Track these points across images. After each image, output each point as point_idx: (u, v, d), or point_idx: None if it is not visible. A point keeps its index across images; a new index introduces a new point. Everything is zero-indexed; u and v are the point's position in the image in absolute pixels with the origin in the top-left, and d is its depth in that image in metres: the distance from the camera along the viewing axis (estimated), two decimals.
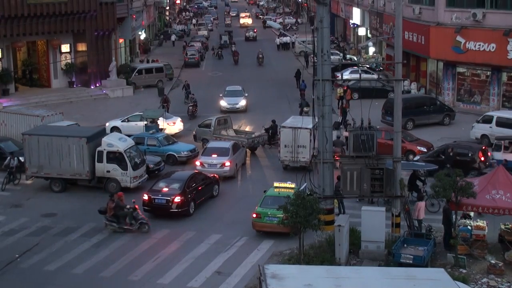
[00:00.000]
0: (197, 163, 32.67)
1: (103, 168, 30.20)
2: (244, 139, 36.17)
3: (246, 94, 47.26)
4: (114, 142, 30.35)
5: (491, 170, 26.40)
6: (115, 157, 30.12)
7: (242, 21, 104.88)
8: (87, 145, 30.07)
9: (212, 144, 34.05)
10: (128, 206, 26.15)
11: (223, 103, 46.06)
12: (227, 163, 32.08)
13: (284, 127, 33.14)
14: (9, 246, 24.80)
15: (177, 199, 27.19)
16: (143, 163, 31.24)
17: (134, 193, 29.45)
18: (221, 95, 47.21)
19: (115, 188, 30.07)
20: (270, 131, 37.77)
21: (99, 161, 30.17)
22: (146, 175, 31.23)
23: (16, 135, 35.74)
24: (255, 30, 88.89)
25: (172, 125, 39.88)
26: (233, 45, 74.22)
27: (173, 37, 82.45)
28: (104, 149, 30.17)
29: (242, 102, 46.40)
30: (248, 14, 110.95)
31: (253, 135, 37.07)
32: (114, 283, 21.94)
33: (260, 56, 67.41)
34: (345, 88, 44.91)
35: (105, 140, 30.49)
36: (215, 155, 32.30)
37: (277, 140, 35.83)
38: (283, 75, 53.02)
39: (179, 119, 40.91)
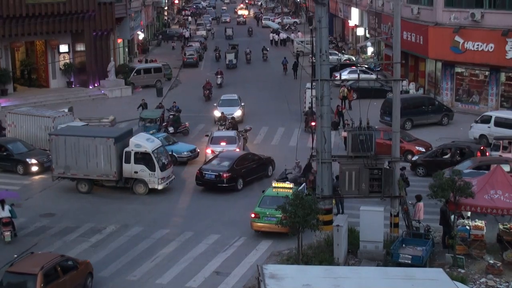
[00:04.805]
0: (208, 150, 33.89)
1: (131, 169, 29.98)
2: (108, 122, 39.12)
3: (242, 104, 44.16)
4: (141, 143, 30.12)
5: None
6: (143, 158, 29.92)
7: (240, 12, 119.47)
8: (115, 146, 29.78)
9: (217, 133, 36.15)
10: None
11: (217, 113, 42.05)
12: (237, 150, 33.85)
13: (308, 88, 38.76)
14: (8, 246, 24.78)
15: (225, 175, 29.91)
16: (171, 163, 31.18)
17: (162, 194, 29.82)
18: (215, 104, 44.04)
19: (142, 189, 30.09)
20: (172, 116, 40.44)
21: (127, 161, 29.95)
22: (173, 176, 31.20)
23: (26, 136, 35.51)
24: (244, 16, 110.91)
25: None
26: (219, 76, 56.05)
27: (186, 34, 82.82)
28: (132, 150, 29.96)
29: (238, 113, 42.73)
30: (244, 6, 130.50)
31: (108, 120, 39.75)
32: (113, 283, 21.93)
33: (250, 29, 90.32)
34: (347, 89, 45.01)
35: (132, 140, 30.24)
36: (224, 143, 34.17)
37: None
38: (281, 74, 52.94)
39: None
